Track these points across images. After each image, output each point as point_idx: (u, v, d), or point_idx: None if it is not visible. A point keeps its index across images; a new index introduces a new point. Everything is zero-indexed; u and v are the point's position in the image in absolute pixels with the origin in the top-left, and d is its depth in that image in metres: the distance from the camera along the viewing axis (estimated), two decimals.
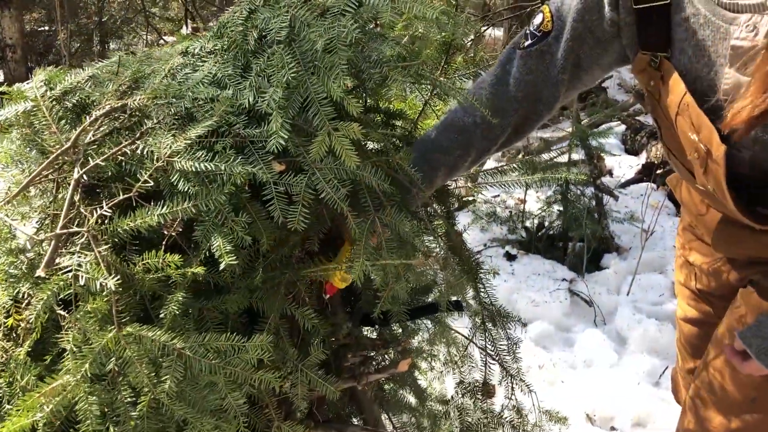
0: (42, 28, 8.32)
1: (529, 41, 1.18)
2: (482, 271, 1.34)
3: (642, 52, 1.07)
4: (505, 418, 1.64)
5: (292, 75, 0.97)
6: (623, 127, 5.34)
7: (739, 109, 0.88)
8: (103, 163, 0.97)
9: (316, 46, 0.97)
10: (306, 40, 0.99)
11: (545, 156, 4.44)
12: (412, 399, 1.66)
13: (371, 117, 1.21)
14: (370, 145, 1.20)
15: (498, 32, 7.66)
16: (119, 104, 1.03)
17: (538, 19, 1.18)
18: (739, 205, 1.03)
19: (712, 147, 0.97)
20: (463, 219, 3.72)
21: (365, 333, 1.53)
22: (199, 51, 1.12)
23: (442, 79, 1.34)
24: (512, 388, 1.54)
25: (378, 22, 1.17)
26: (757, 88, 0.85)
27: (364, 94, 1.26)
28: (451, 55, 1.45)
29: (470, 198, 3.73)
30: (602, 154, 3.84)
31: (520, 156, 4.42)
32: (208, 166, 0.92)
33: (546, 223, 3.56)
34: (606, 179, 4.24)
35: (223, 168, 0.93)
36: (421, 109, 1.41)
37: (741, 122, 0.89)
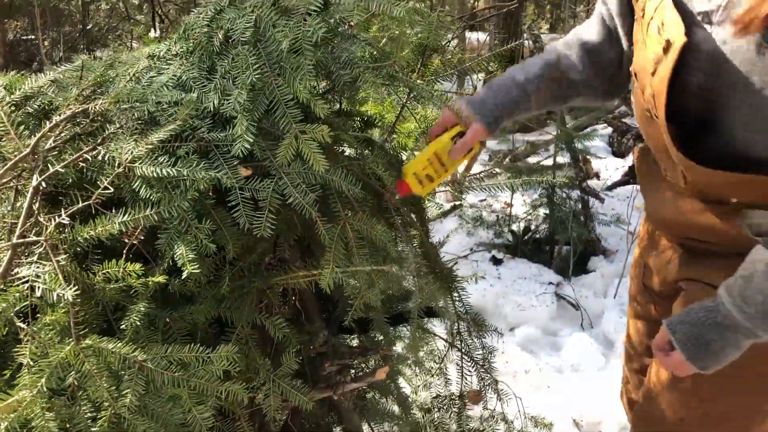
0: (26, 37, 8.25)
1: None
2: (457, 279, 1.31)
3: None
4: (491, 425, 1.62)
5: (257, 76, 0.94)
6: (609, 129, 5.34)
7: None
8: (63, 170, 0.94)
9: (281, 46, 0.94)
10: (271, 40, 0.96)
11: (531, 159, 4.44)
12: (395, 408, 1.63)
13: (343, 120, 1.18)
14: (345, 149, 1.18)
15: (483, 35, 7.66)
16: (81, 109, 0.99)
17: None
18: (671, 129, 1.02)
19: (675, 39, 0.95)
20: (449, 223, 3.70)
21: (345, 341, 1.50)
22: (165, 54, 1.09)
23: (416, 81, 1.32)
24: (496, 394, 1.51)
25: (351, 23, 1.14)
26: None
27: (337, 98, 1.23)
28: (427, 56, 1.43)
29: (457, 202, 3.71)
30: (588, 157, 3.83)
31: (507, 160, 4.41)
32: (170, 172, 0.89)
33: (532, 227, 3.54)
34: (592, 182, 4.23)
35: (185, 173, 0.90)
36: (398, 113, 1.39)
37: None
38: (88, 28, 7.19)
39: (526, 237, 3.51)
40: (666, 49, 0.96)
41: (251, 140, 0.92)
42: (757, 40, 0.90)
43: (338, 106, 1.25)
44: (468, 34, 7.58)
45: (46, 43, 6.56)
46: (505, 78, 1.30)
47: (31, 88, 1.07)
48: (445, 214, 3.45)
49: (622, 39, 1.26)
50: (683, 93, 1.00)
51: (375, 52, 1.16)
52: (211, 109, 0.97)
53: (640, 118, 1.15)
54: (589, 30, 1.32)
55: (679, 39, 0.94)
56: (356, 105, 1.34)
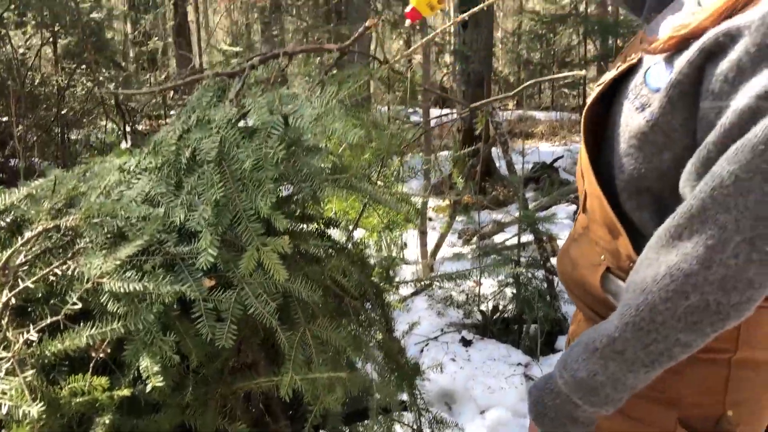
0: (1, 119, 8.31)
1: None
2: (422, 372, 1.35)
3: None
4: None
5: (221, 193, 1.01)
6: (573, 207, 5.50)
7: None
8: (33, 286, 0.98)
9: (244, 165, 1.02)
10: (235, 159, 1.04)
11: (498, 237, 4.55)
12: None
13: (303, 227, 1.24)
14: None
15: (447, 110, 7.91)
16: (52, 225, 1.04)
17: None
18: (592, 155, 1.00)
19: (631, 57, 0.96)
20: (419, 303, 3.74)
21: None
22: (135, 168, 1.15)
23: (375, 186, 1.39)
24: None
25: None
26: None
27: (298, 203, 1.30)
28: (386, 160, 1.51)
29: (427, 282, 3.77)
30: (553, 234, 3.94)
31: (474, 238, 4.51)
32: (138, 287, 0.94)
33: (500, 307, 3.60)
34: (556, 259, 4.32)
35: (152, 288, 0.94)
36: (358, 215, 1.46)
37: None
38: (63, 112, 7.29)
39: (494, 317, 3.56)
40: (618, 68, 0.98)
41: (215, 254, 0.97)
42: (638, 80, 0.92)
43: (299, 211, 1.32)
44: (433, 110, 7.84)
45: (19, 127, 6.62)
46: None
47: (4, 203, 1.12)
48: (413, 294, 3.49)
49: None
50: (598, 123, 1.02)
51: (336, 161, 1.24)
52: (178, 223, 1.03)
53: None
54: None
55: (625, 65, 0.96)
56: (318, 206, 1.40)
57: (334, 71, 1.19)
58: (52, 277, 0.99)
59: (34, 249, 1.04)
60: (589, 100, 0.99)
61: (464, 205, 4.75)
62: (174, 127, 1.12)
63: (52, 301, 0.98)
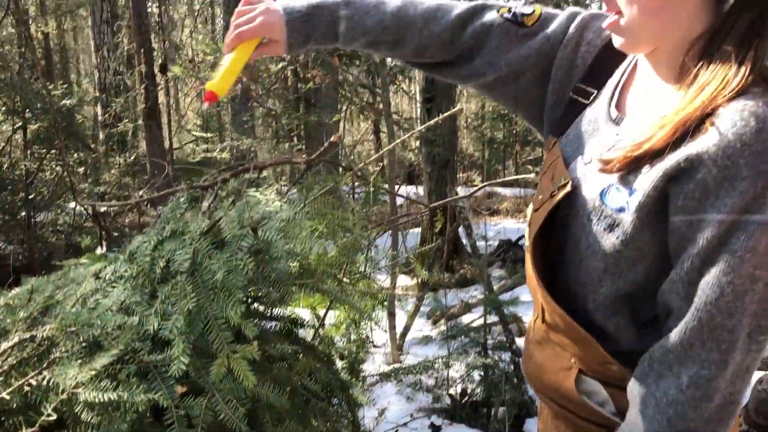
0: None
1: (508, 15, 1.16)
2: None
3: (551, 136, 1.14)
4: None
5: (194, 303, 1.07)
6: None
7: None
8: (8, 396, 1.01)
9: (215, 276, 1.08)
10: (207, 270, 1.10)
11: (465, 318, 4.61)
12: None
13: (272, 327, 1.30)
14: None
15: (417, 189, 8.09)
16: (28, 335, 1.09)
17: (527, 9, 1.16)
18: (536, 258, 1.05)
19: (560, 181, 1.01)
20: (388, 388, 3.74)
21: None
22: (111, 276, 1.21)
23: (342, 284, 1.47)
24: None
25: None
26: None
27: (266, 305, 1.36)
28: (351, 258, 1.59)
29: (396, 364, 3.78)
30: (520, 315, 4.02)
31: (442, 320, 4.56)
32: (112, 396, 0.98)
33: (468, 390, 3.62)
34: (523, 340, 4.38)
35: (126, 397, 0.98)
36: (325, 310, 1.52)
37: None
38: (30, 197, 7.29)
39: (463, 401, 3.58)
40: (553, 195, 1.02)
41: (187, 361, 1.02)
42: (596, 201, 0.97)
43: (268, 312, 1.38)
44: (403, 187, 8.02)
45: None
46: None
47: None
48: (381, 380, 3.50)
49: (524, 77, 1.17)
50: (551, 230, 1.06)
51: (302, 263, 1.31)
52: (151, 332, 1.08)
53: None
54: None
55: (564, 188, 1.00)
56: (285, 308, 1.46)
57: (302, 181, 1.28)
58: (27, 388, 1.03)
59: (9, 360, 1.07)
60: (534, 228, 1.05)
61: (432, 286, 4.83)
62: (149, 237, 1.19)
63: (27, 413, 1.01)
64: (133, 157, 10.13)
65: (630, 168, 0.92)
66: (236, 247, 1.09)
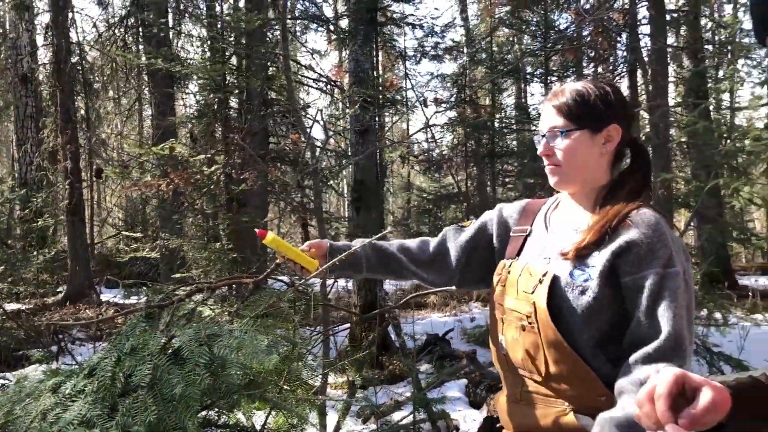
0: None
1: (453, 226, 1.77)
2: None
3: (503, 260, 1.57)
4: None
5: (154, 416, 1.18)
6: (465, 380, 5.76)
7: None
8: None
9: (174, 390, 1.20)
10: (166, 384, 1.22)
11: (395, 415, 4.68)
12: None
13: None
14: None
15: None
16: None
17: (465, 222, 1.77)
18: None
19: (539, 274, 1.41)
20: None
21: None
22: (70, 390, 1.30)
23: (282, 392, 1.59)
24: None
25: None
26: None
27: (217, 414, 1.47)
28: (291, 366, 1.72)
29: None
30: (448, 411, 4.14)
31: (372, 417, 4.61)
32: None
33: None
34: None
35: None
36: (266, 418, 1.63)
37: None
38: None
39: None
40: (541, 281, 1.39)
41: None
42: (567, 279, 1.36)
43: (217, 420, 1.48)
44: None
45: None
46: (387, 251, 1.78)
47: None
48: None
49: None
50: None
51: (250, 375, 1.43)
52: None
53: (509, 341, 1.50)
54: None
55: (549, 274, 1.38)
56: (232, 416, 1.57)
57: (251, 298, 1.42)
58: None
59: None
60: (541, 307, 1.38)
61: (362, 383, 4.90)
62: (110, 353, 1.30)
63: None
64: (53, 253, 9.85)
65: (581, 255, 1.36)
66: (194, 363, 1.22)
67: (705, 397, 0.81)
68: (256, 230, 1.52)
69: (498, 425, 1.66)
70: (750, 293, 9.62)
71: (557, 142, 1.43)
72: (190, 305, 1.35)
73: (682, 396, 0.84)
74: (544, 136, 1.46)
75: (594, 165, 1.43)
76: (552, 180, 1.47)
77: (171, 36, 10.21)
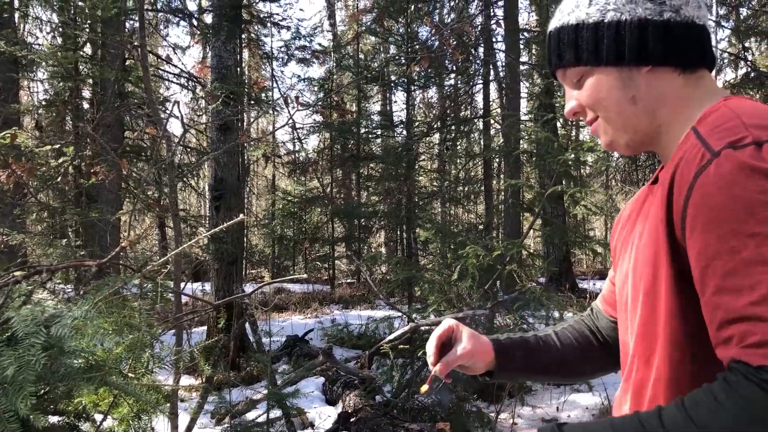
0: None
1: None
2: None
3: None
4: None
5: None
6: (322, 379, 5.83)
7: None
8: None
9: (6, 372, 1.16)
10: None
11: (250, 415, 4.66)
12: None
13: (56, 422, 1.37)
14: None
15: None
16: None
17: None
18: None
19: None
20: None
21: None
22: None
23: (127, 379, 1.57)
24: None
25: None
26: None
27: (53, 400, 1.43)
28: (137, 353, 1.70)
29: None
30: (302, 408, 4.19)
31: (227, 418, 4.56)
32: None
33: None
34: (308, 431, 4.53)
35: None
36: (109, 406, 1.60)
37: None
38: None
39: None
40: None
41: None
42: None
43: (52, 407, 1.44)
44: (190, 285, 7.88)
45: None
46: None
47: None
48: None
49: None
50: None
51: (90, 359, 1.41)
52: None
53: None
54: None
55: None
56: (71, 402, 1.53)
57: (93, 282, 1.40)
58: None
59: None
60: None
61: (217, 385, 4.83)
62: None
63: None
64: None
65: None
66: (29, 345, 1.19)
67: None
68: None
69: (352, 420, 1.67)
70: (588, 295, 10.52)
71: None
72: (27, 287, 1.31)
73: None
74: None
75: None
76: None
77: (17, 18, 9.47)
